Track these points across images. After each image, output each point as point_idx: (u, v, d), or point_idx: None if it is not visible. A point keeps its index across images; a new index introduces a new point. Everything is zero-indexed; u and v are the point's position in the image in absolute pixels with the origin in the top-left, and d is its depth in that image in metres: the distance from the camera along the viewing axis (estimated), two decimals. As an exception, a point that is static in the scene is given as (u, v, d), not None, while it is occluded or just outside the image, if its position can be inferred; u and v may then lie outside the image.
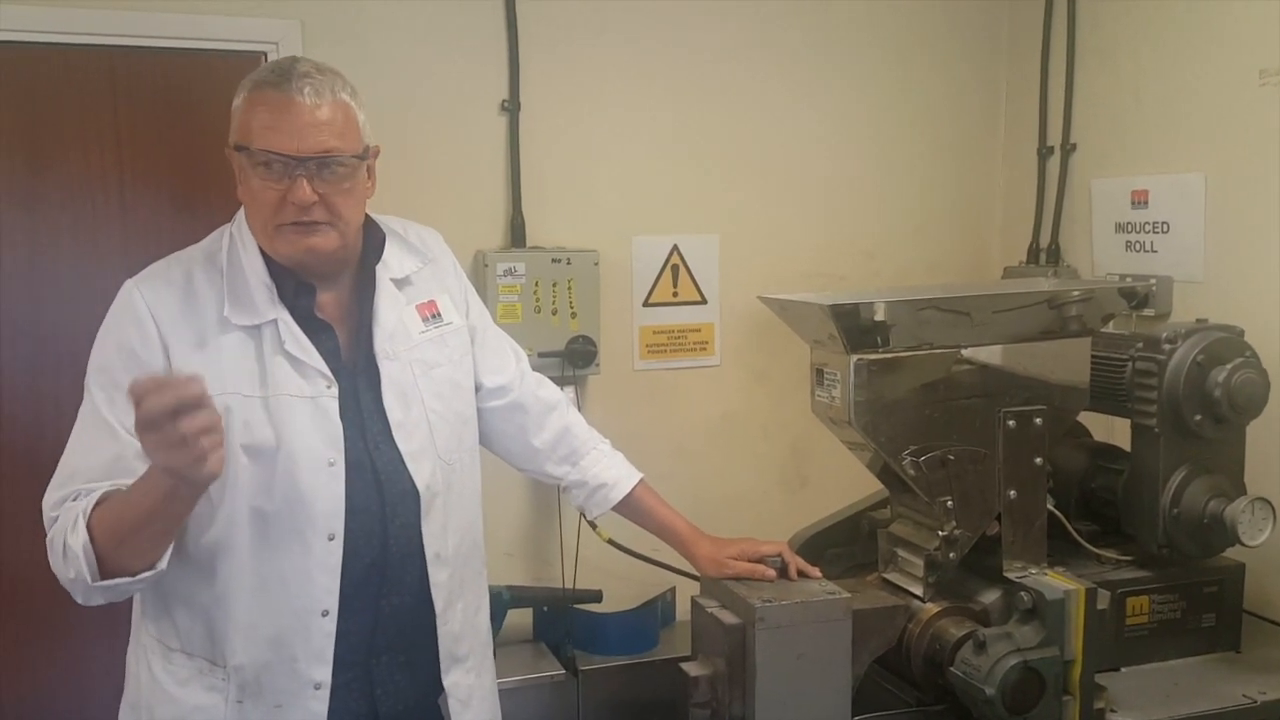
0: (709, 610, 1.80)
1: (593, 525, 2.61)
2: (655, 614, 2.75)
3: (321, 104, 1.50)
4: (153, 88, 2.48)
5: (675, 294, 2.91)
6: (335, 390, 1.57)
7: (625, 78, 2.80)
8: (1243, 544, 1.95)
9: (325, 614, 1.56)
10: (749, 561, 1.82)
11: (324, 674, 1.58)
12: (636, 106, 2.82)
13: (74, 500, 1.47)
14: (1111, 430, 2.29)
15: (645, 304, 2.88)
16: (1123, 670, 1.99)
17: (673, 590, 2.79)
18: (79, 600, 1.47)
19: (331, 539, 1.56)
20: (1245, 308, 2.28)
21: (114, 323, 1.57)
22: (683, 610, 2.75)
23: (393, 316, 1.66)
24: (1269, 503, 1.95)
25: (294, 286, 1.57)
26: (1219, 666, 2.02)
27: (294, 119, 1.48)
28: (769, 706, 1.71)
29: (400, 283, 1.70)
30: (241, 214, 1.62)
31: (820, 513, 2.24)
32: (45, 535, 1.50)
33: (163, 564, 1.47)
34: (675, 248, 2.89)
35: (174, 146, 2.49)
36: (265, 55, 2.50)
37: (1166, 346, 1.98)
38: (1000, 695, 1.71)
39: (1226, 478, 2.02)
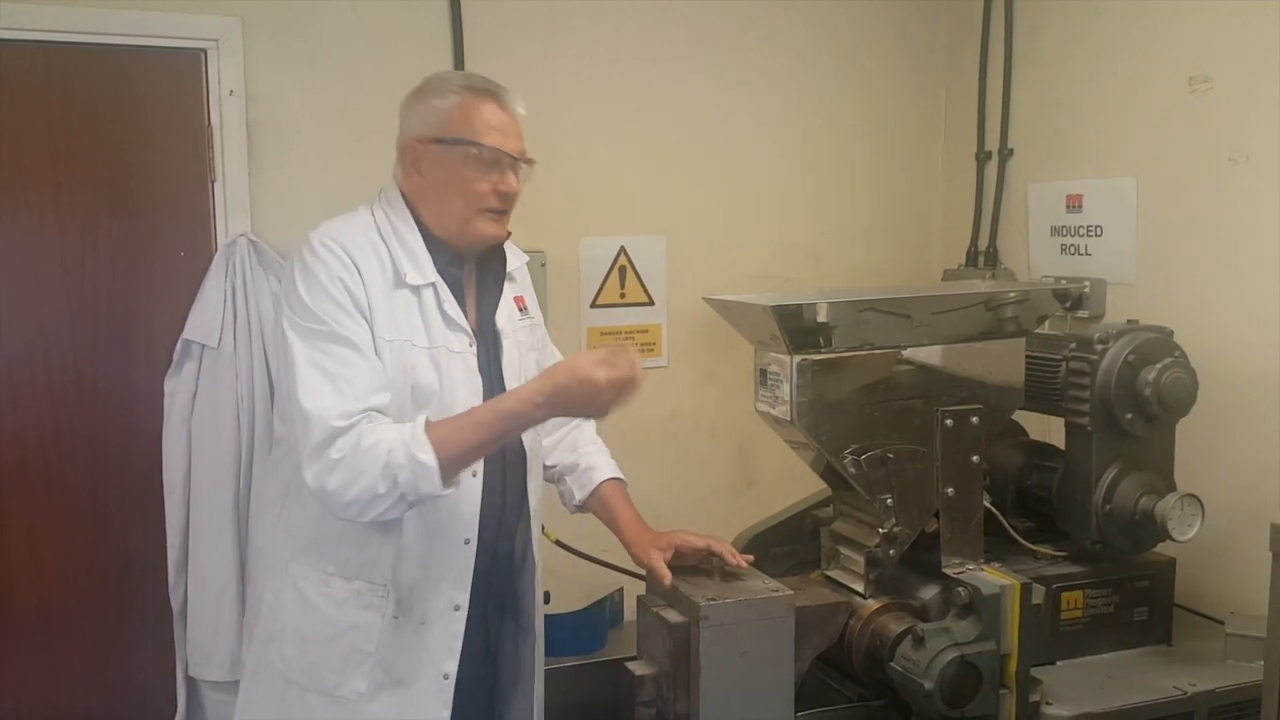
0: (654, 609, 1.81)
1: (540, 527, 2.61)
2: (603, 614, 2.75)
3: (520, 116, 1.79)
4: (90, 85, 2.44)
5: (623, 295, 2.92)
6: (475, 348, 1.77)
7: (572, 79, 2.80)
8: (1173, 539, 2.00)
9: (467, 542, 1.74)
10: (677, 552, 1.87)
11: (463, 597, 1.74)
12: (584, 107, 2.82)
13: (367, 421, 1.59)
14: (1047, 429, 2.34)
15: (593, 305, 2.89)
16: (1058, 664, 2.03)
17: (620, 590, 2.80)
18: (361, 513, 1.59)
19: (474, 475, 1.74)
20: (1175, 309, 2.35)
21: (322, 268, 1.67)
22: (630, 610, 2.75)
23: (506, 298, 1.87)
24: (1198, 499, 2.00)
25: (449, 257, 1.77)
26: (1151, 659, 2.07)
27: (513, 126, 1.77)
28: (713, 704, 1.72)
29: (508, 275, 1.90)
30: (390, 194, 1.79)
31: (767, 512, 2.26)
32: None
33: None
34: (623, 249, 2.90)
35: (111, 144, 2.46)
36: (205, 53, 2.48)
37: (1098, 347, 2.03)
38: (938, 689, 1.74)
39: (1157, 475, 2.07)
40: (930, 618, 1.89)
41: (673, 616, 1.77)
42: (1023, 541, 2.09)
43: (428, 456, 1.57)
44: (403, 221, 1.76)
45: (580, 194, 2.84)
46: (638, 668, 1.80)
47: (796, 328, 1.81)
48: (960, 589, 1.82)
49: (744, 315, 1.93)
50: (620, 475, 2.02)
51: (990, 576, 1.86)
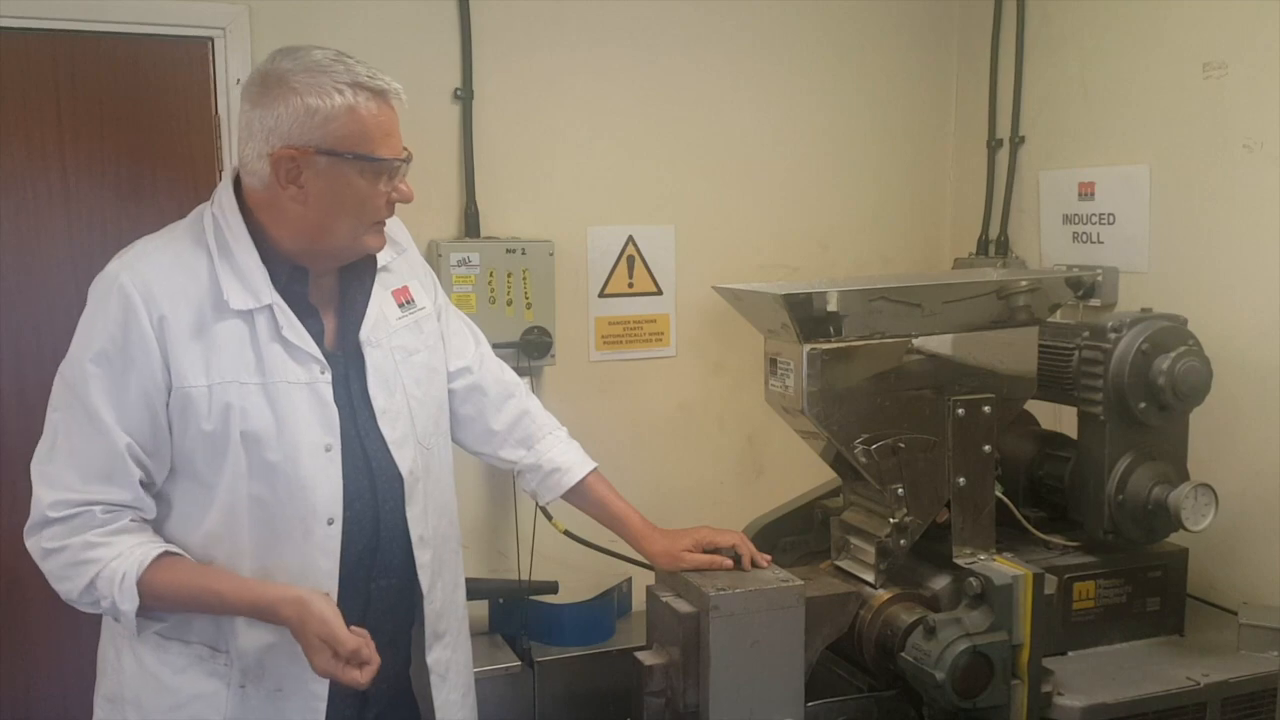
0: (664, 599, 1.80)
1: (548, 516, 2.61)
2: (611, 604, 2.75)
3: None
4: (97, 73, 2.43)
5: (631, 285, 2.91)
6: (329, 376, 1.58)
7: (580, 66, 2.79)
8: (1186, 529, 1.99)
9: (325, 596, 1.56)
10: (704, 552, 1.83)
11: None
12: (591, 96, 2.81)
13: (91, 527, 1.48)
14: (1059, 418, 2.33)
15: (601, 295, 2.88)
16: (1069, 654, 2.02)
17: (629, 580, 2.80)
18: (69, 601, 1.53)
19: (331, 523, 1.57)
20: (1189, 297, 2.33)
21: (101, 310, 1.50)
22: (639, 600, 2.75)
23: (375, 304, 1.67)
24: (1211, 489, 1.99)
25: (288, 271, 1.56)
26: (1163, 650, 2.06)
27: (396, 126, 1.55)
28: (723, 694, 1.72)
29: (380, 270, 1.71)
30: (224, 199, 1.57)
31: (776, 501, 2.26)
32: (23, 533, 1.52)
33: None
34: (631, 238, 2.89)
35: (118, 133, 2.45)
36: (212, 41, 2.47)
37: (1112, 335, 2.01)
38: (950, 680, 1.73)
39: (1170, 464, 2.05)
40: (941, 608, 1.89)
41: (682, 606, 1.76)
42: (1034, 531, 2.08)
43: (128, 606, 1.47)
44: (235, 235, 1.54)
45: (588, 184, 2.83)
46: (647, 658, 1.79)
47: (807, 317, 1.80)
48: (972, 579, 1.81)
49: (754, 304, 1.92)
50: (592, 464, 1.91)
51: (1002, 566, 1.85)
